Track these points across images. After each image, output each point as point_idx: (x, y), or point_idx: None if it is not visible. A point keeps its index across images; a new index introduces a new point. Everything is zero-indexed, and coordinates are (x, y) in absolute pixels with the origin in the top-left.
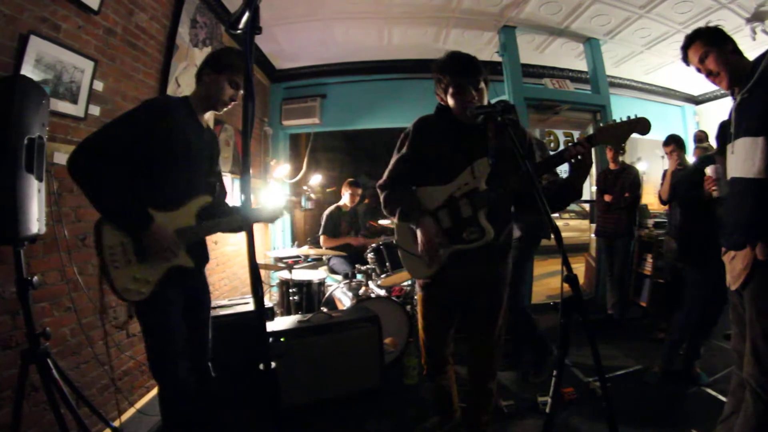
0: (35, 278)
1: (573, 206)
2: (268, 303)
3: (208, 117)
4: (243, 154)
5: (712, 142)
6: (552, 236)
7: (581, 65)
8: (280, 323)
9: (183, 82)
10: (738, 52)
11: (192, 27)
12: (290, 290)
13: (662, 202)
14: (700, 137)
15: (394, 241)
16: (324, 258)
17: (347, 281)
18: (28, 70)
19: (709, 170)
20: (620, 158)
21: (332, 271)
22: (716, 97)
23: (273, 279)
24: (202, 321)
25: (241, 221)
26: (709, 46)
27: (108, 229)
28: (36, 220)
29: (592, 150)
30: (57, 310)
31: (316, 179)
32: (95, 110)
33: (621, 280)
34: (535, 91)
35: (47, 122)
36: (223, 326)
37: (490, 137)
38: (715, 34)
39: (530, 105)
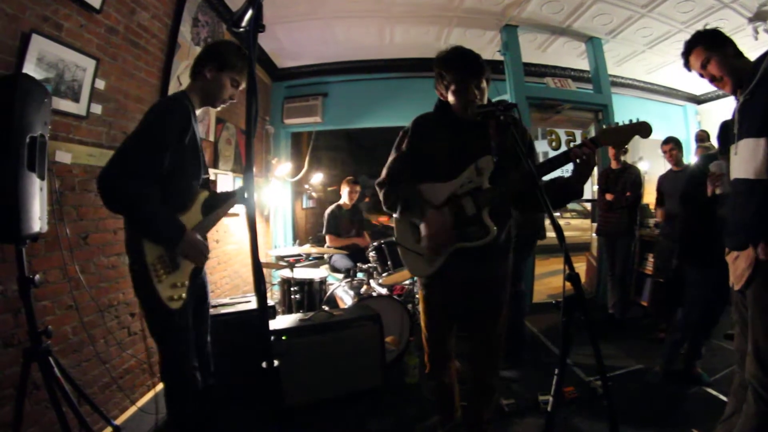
0: (37, 276)
1: (574, 205)
2: (269, 301)
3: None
4: (246, 152)
5: (714, 141)
6: (544, 236)
7: (583, 64)
8: (281, 322)
9: (185, 81)
10: (739, 55)
11: (194, 26)
12: (292, 289)
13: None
14: (702, 137)
15: (394, 238)
16: (325, 256)
17: (349, 280)
18: (30, 68)
19: (713, 166)
20: (622, 158)
21: (334, 269)
22: (718, 97)
23: (274, 277)
24: (204, 316)
25: (233, 203)
26: (710, 52)
27: (148, 245)
28: (38, 219)
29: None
30: (59, 309)
31: (318, 178)
32: (97, 109)
33: (622, 279)
34: (536, 90)
35: (49, 121)
36: (225, 325)
37: (492, 135)
38: (714, 38)
39: (532, 104)
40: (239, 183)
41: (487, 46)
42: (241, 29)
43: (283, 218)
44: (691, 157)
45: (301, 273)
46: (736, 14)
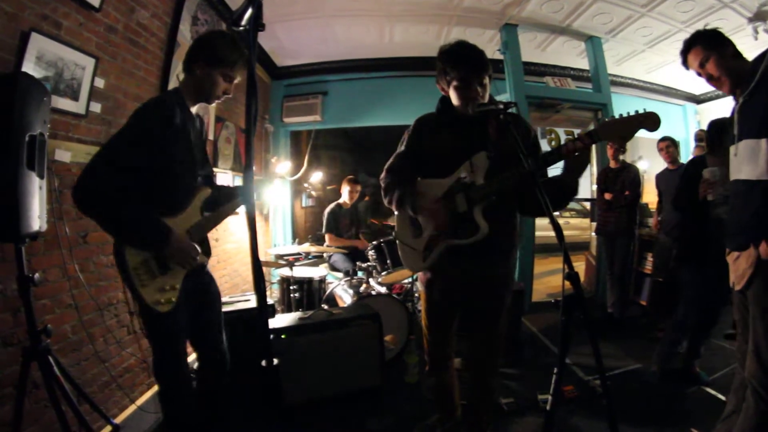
0: (36, 275)
1: (573, 204)
2: (269, 300)
3: (198, 109)
4: (246, 151)
5: None
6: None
7: (583, 63)
8: (280, 320)
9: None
10: (738, 55)
11: (193, 24)
12: (291, 287)
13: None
14: (701, 136)
15: (394, 233)
16: (325, 255)
17: (348, 278)
18: (29, 67)
19: (706, 173)
20: (621, 157)
21: (333, 268)
22: (718, 97)
23: (274, 276)
24: (212, 316)
25: (238, 204)
26: (708, 51)
27: (129, 250)
28: (37, 218)
29: (593, 147)
30: (58, 307)
31: (317, 176)
32: (96, 107)
33: (621, 278)
34: (536, 90)
35: (48, 119)
36: (224, 323)
37: (492, 133)
38: (714, 38)
39: (532, 103)
40: (238, 182)
41: (487, 45)
42: (241, 28)
43: (282, 217)
44: (690, 156)
45: (301, 272)
46: (736, 14)
